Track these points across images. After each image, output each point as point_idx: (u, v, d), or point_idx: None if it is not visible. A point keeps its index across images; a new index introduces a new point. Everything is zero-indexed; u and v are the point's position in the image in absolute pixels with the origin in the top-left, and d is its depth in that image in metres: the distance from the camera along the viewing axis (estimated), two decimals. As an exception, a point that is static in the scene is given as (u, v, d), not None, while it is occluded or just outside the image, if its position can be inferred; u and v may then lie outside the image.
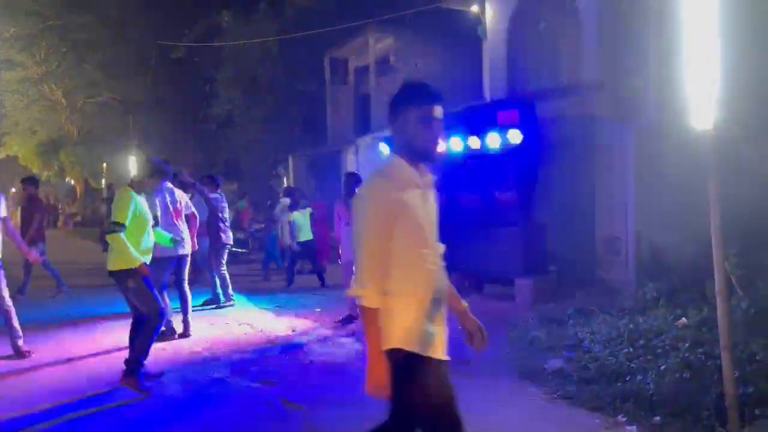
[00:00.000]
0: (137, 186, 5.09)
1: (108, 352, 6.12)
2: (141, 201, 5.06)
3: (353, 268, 2.38)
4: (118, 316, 7.39)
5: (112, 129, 29.59)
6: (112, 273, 4.93)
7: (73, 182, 37.78)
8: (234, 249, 14.56)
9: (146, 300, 4.92)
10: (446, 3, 12.72)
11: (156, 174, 5.22)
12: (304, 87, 20.30)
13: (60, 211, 36.16)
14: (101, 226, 16.83)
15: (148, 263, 5.03)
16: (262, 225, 14.51)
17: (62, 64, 29.23)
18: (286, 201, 10.94)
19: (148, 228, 5.08)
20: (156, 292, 5.02)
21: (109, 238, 4.85)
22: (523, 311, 7.23)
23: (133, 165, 22.36)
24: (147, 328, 4.89)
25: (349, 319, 7.12)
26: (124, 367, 4.92)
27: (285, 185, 18.46)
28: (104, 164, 31.29)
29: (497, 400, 4.56)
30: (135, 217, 4.92)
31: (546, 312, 6.82)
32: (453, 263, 9.39)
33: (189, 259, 6.90)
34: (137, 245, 4.92)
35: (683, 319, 5.46)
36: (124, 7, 26.92)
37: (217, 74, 21.43)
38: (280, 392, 4.83)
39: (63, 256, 15.14)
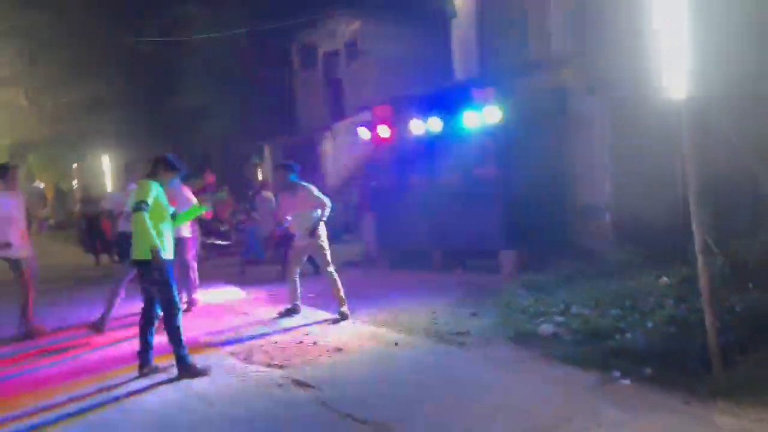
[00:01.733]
0: (154, 177, 5.20)
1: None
2: (161, 191, 5.19)
3: None
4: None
5: (81, 129, 29.05)
6: (137, 262, 5.09)
7: (42, 186, 37.10)
8: (217, 242, 14.66)
9: (166, 292, 5.06)
10: (413, -17, 12.84)
11: (172, 168, 5.34)
12: (274, 74, 20.26)
13: (34, 216, 35.48)
14: (79, 228, 16.73)
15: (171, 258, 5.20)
16: (243, 216, 14.57)
17: (25, 65, 28.50)
18: (269, 193, 11.18)
19: (167, 217, 5.21)
20: (176, 287, 5.19)
21: (134, 215, 5.00)
22: (510, 282, 7.50)
23: (107, 165, 22.02)
24: (167, 326, 5.05)
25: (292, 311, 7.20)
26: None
27: (261, 176, 18.43)
28: (74, 165, 30.77)
29: (496, 365, 4.82)
30: (156, 205, 5.06)
31: (531, 281, 7.10)
32: (435, 241, 9.48)
33: None
34: (158, 233, 5.06)
35: (664, 278, 5.78)
36: (82, 3, 26.22)
37: (185, 66, 21.24)
38: (288, 374, 5.01)
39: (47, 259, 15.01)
